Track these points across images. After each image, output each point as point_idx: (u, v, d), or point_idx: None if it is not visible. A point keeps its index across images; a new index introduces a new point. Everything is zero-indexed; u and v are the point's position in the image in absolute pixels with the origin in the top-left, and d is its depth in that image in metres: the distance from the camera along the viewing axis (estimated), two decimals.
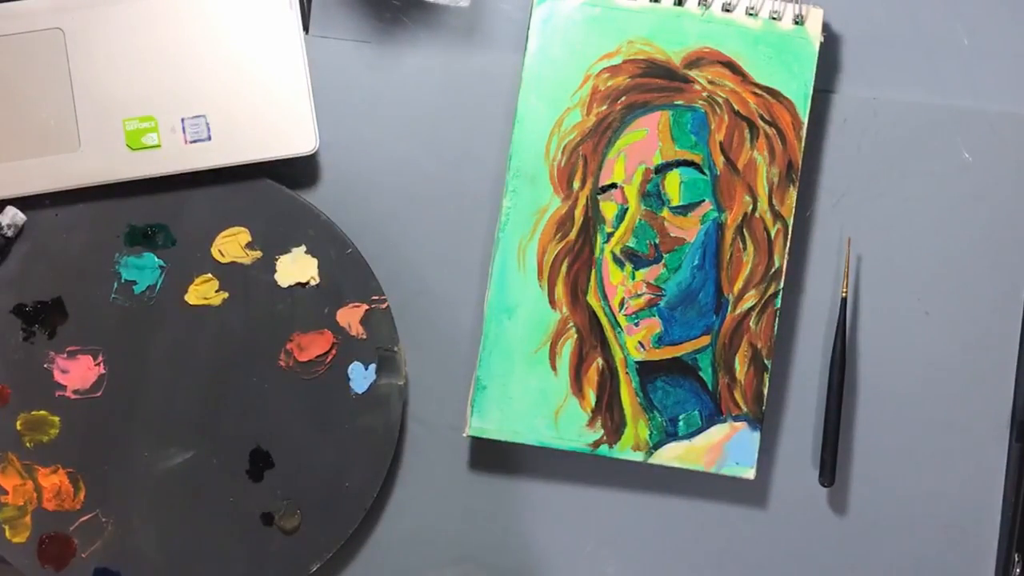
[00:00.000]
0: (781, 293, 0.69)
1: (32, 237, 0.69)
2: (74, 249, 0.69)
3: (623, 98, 0.69)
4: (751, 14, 0.69)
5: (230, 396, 0.70)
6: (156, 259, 0.70)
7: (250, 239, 0.70)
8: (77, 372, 0.69)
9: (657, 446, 0.69)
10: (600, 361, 0.69)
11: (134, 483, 0.69)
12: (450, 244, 0.72)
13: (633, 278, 0.69)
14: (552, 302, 0.69)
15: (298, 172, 0.71)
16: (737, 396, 0.69)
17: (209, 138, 0.69)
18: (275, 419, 0.70)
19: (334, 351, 0.70)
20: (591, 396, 0.69)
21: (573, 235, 0.69)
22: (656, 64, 0.69)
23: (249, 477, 0.70)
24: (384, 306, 0.70)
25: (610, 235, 0.69)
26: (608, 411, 0.69)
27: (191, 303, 0.70)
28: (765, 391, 0.69)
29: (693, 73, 0.69)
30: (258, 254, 0.70)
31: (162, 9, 0.69)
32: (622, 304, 0.69)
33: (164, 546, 0.70)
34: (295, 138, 0.69)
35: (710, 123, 0.69)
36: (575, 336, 0.69)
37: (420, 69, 0.72)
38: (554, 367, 0.69)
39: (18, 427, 0.69)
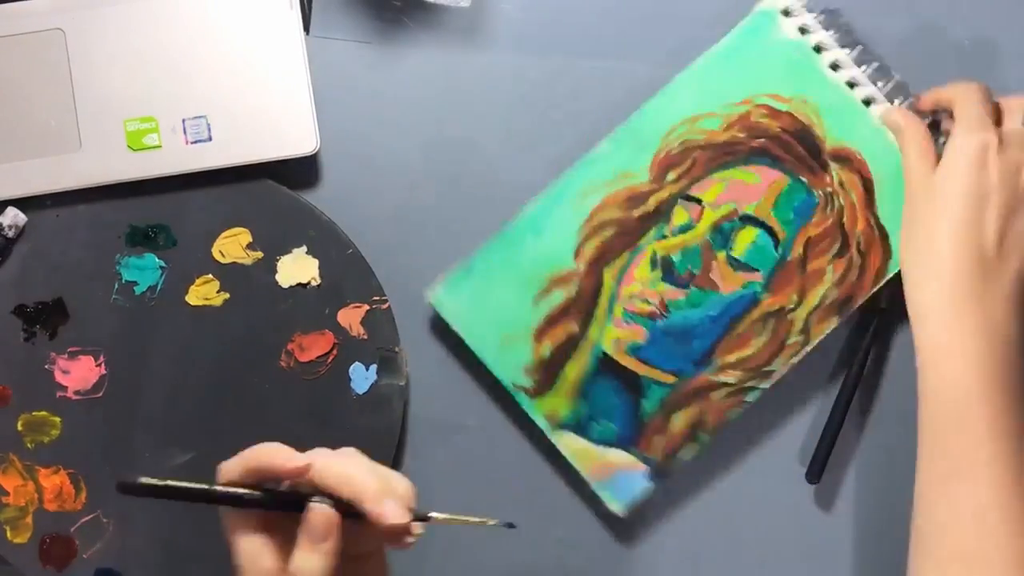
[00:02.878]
0: (760, 393, 0.69)
1: (33, 238, 0.69)
2: (75, 250, 0.69)
3: (763, 140, 0.69)
4: None
5: (231, 397, 0.70)
6: (157, 260, 0.70)
7: (251, 239, 0.70)
8: (78, 373, 0.69)
9: (564, 428, 0.69)
10: (575, 328, 0.69)
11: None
12: (451, 244, 0.72)
13: (654, 285, 0.69)
14: (577, 252, 0.69)
15: (299, 172, 0.71)
16: (657, 442, 0.68)
17: (210, 139, 0.69)
18: (276, 420, 0.70)
19: (335, 351, 0.70)
20: (546, 349, 0.69)
21: (636, 214, 0.69)
22: (810, 135, 0.69)
23: None
24: (385, 306, 0.70)
25: (664, 237, 0.69)
26: (548, 371, 0.69)
27: (192, 304, 0.70)
28: (684, 458, 0.69)
29: (834, 165, 0.69)
30: (259, 255, 0.70)
31: (163, 10, 0.69)
32: (629, 298, 0.69)
33: (165, 547, 0.70)
34: (296, 139, 0.69)
35: (814, 215, 0.69)
36: (572, 293, 0.69)
37: (421, 69, 0.72)
38: (537, 304, 0.69)
39: (19, 428, 0.69)
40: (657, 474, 0.69)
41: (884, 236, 0.69)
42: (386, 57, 0.72)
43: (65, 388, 0.69)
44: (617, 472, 0.69)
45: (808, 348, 0.69)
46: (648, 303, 0.69)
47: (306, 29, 0.71)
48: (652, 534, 0.72)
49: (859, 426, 0.72)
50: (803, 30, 0.69)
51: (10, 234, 0.69)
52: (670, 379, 0.69)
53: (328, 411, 0.70)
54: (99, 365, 0.70)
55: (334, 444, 0.70)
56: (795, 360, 0.69)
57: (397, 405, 0.70)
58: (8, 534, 0.69)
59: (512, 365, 0.69)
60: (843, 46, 0.69)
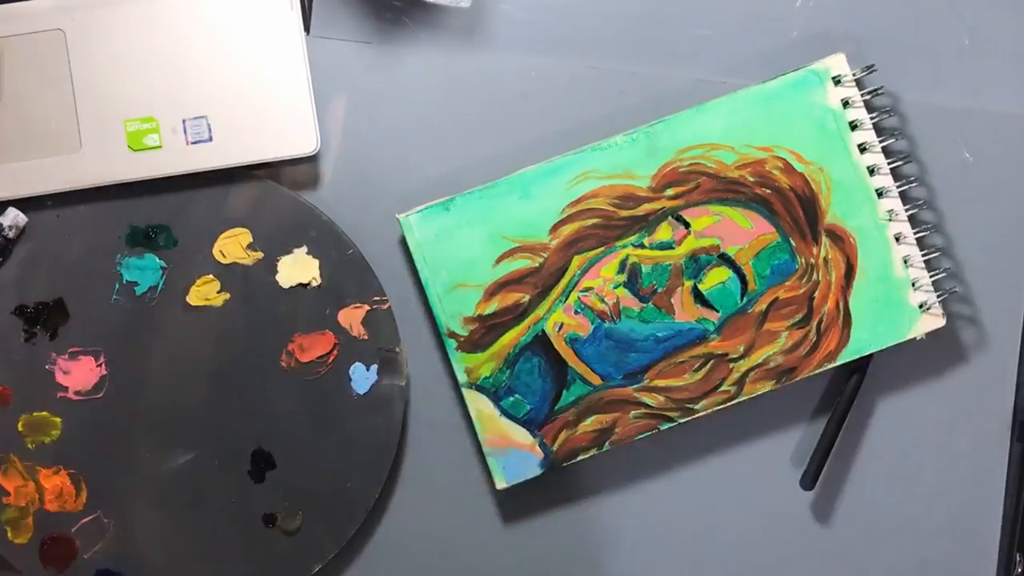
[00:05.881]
0: (674, 425, 0.69)
1: (33, 238, 0.69)
2: (75, 250, 0.69)
3: (769, 191, 0.69)
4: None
5: (232, 397, 0.70)
6: (157, 260, 0.70)
7: (251, 240, 0.70)
8: (79, 373, 0.69)
9: (479, 390, 0.69)
10: (526, 298, 0.69)
11: (136, 484, 0.69)
12: None
13: (615, 287, 0.69)
14: (554, 228, 0.69)
15: (299, 173, 0.71)
16: (562, 435, 0.69)
17: (210, 139, 0.69)
18: (277, 420, 0.70)
19: (336, 352, 0.70)
20: (492, 308, 0.69)
21: (623, 214, 0.69)
22: (814, 203, 0.69)
23: (251, 478, 0.70)
24: (386, 306, 0.70)
25: (641, 246, 0.69)
26: (489, 331, 0.69)
27: (193, 304, 0.70)
28: (580, 458, 0.69)
29: (826, 239, 0.69)
30: (259, 255, 0.70)
31: (163, 10, 0.69)
32: (587, 290, 0.69)
33: (166, 547, 0.70)
34: (296, 139, 0.69)
35: (789, 279, 0.69)
36: (535, 264, 0.69)
37: (420, 69, 0.72)
38: (499, 262, 0.69)
39: (20, 428, 0.69)
40: (549, 465, 0.69)
41: (847, 323, 0.69)
42: (386, 57, 0.72)
43: (65, 388, 0.69)
44: (513, 449, 0.69)
45: (735, 401, 0.69)
46: (603, 302, 0.69)
47: (306, 29, 0.71)
48: (648, 533, 0.72)
49: (855, 432, 0.72)
50: (846, 103, 0.69)
51: (10, 234, 0.69)
52: (596, 380, 0.69)
53: (328, 411, 0.70)
54: (99, 365, 0.70)
55: (335, 444, 0.70)
56: (720, 408, 0.69)
57: (397, 405, 0.70)
58: (9, 535, 0.69)
59: (454, 311, 0.69)
60: (879, 132, 0.69)
